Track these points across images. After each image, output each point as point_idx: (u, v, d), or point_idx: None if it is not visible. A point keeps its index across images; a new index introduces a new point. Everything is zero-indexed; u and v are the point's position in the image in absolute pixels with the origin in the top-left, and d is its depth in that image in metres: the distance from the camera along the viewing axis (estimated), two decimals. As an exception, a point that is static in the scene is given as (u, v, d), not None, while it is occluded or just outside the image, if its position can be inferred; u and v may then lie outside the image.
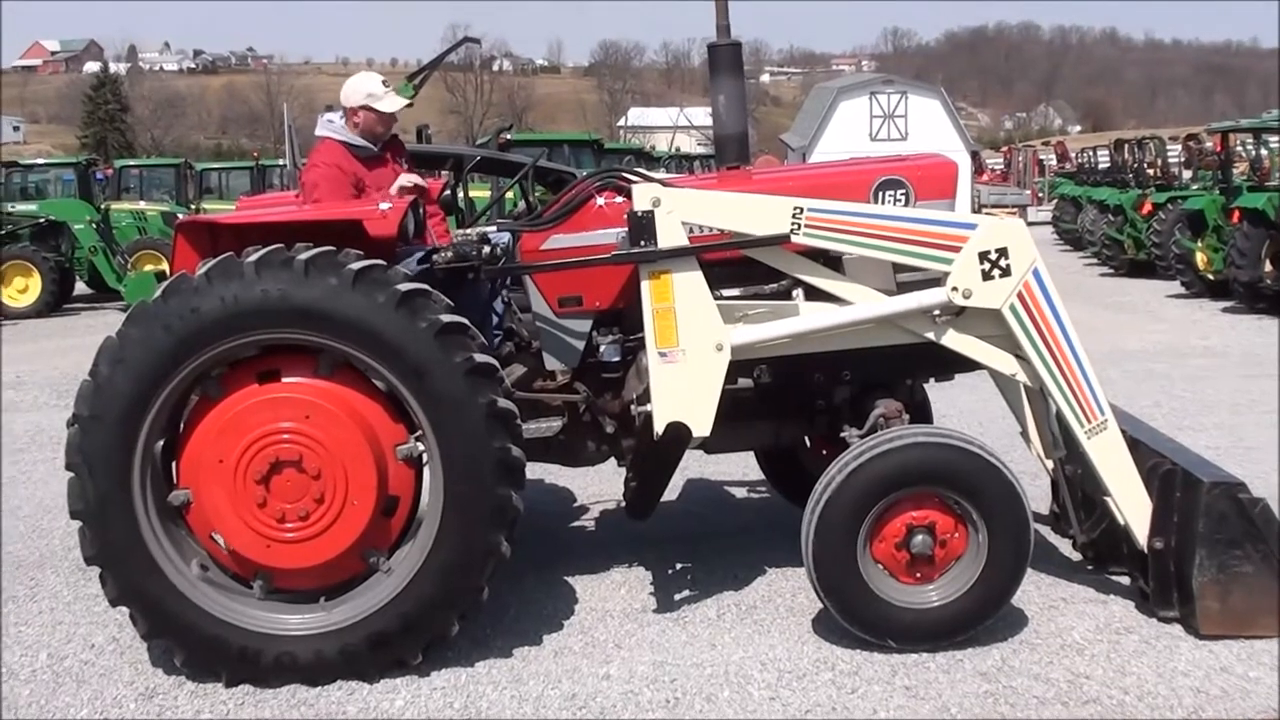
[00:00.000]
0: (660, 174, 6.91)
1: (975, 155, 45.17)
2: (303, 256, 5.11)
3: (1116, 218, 24.48)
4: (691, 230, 5.62)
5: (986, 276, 5.50)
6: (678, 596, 6.25)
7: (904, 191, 5.97)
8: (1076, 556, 6.50)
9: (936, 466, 5.31)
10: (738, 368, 5.68)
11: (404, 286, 5.13)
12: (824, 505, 5.31)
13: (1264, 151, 20.59)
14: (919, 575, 5.40)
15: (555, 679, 5.31)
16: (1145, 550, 5.55)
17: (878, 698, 5.00)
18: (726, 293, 5.80)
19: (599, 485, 8.20)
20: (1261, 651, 5.25)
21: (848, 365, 5.89)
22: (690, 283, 5.54)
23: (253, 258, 5.13)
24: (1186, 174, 26.21)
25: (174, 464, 5.46)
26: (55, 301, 23.55)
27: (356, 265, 5.11)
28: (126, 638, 5.70)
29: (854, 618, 5.39)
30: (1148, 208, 22.54)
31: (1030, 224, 41.61)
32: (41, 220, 24.49)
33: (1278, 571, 5.31)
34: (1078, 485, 6.02)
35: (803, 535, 5.39)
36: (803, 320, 5.70)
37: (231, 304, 5.09)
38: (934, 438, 5.43)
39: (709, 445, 6.03)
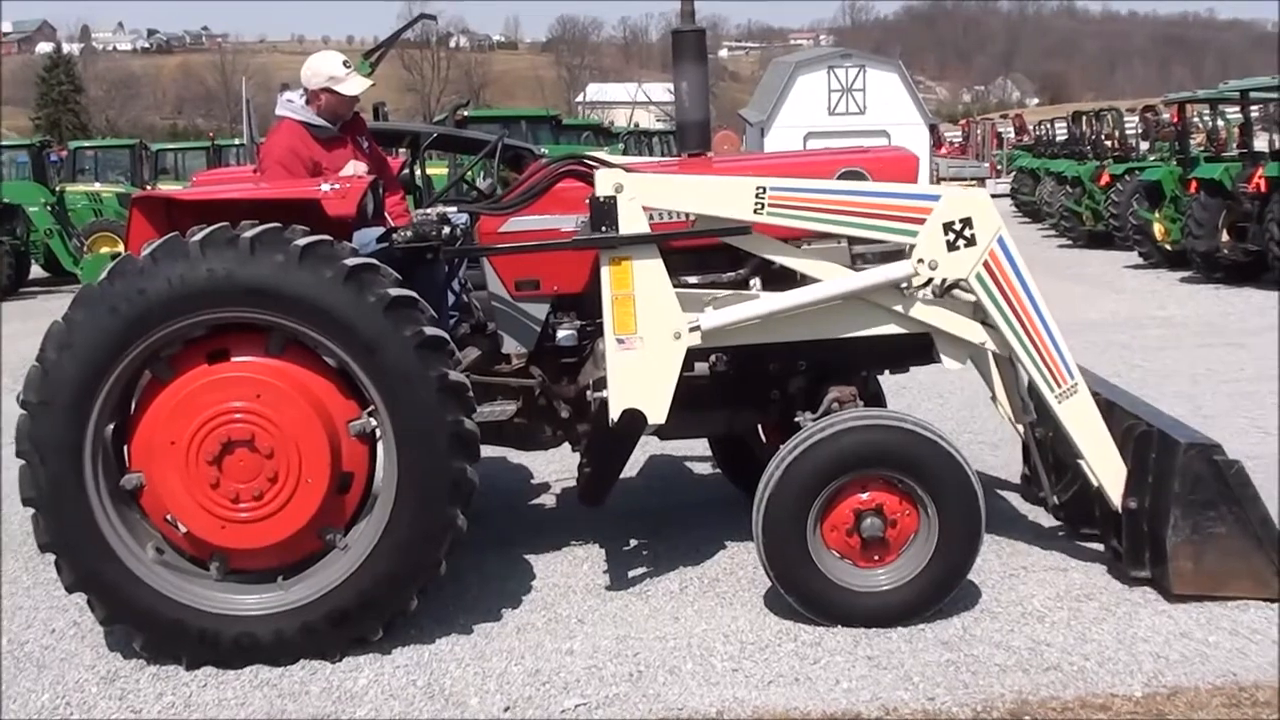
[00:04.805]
0: (619, 149, 6.88)
1: (934, 128, 45.17)
2: (248, 234, 5.05)
3: (1074, 189, 24.59)
4: (653, 217, 5.60)
5: (952, 247, 5.49)
6: (640, 571, 6.25)
7: None
8: (1038, 524, 6.56)
9: (871, 449, 5.32)
10: (694, 354, 5.66)
11: (351, 261, 5.07)
12: (767, 506, 5.34)
13: (1221, 122, 20.81)
14: (877, 558, 5.41)
15: (519, 655, 5.30)
16: (1119, 511, 5.58)
17: (840, 668, 5.02)
18: (687, 280, 5.78)
19: (560, 463, 8.17)
20: (1220, 617, 5.30)
21: (803, 354, 5.90)
22: (650, 270, 5.51)
23: (197, 237, 5.06)
24: (1144, 145, 26.41)
25: (125, 447, 5.40)
26: (11, 285, 23.26)
27: (302, 241, 5.05)
28: (87, 622, 5.64)
29: (822, 612, 5.39)
30: (1105, 179, 22.62)
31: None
32: (-6, 203, 24.13)
33: (1252, 533, 5.35)
34: (1049, 449, 6.06)
35: (755, 539, 5.41)
36: (767, 302, 5.67)
37: (178, 284, 5.03)
38: (863, 421, 5.43)
39: (663, 432, 6.02)
